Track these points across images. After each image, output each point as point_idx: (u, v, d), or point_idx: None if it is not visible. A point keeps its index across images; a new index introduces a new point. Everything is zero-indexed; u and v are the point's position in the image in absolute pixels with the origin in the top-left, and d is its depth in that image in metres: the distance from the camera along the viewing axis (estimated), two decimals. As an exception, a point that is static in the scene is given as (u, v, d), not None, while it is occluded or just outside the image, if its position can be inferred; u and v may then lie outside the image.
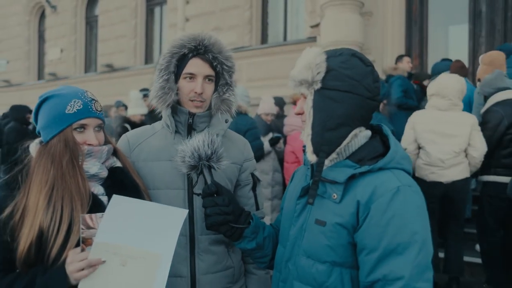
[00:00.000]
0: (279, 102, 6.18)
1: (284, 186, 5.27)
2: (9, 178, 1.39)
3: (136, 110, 5.69)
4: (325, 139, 1.23)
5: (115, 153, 1.56)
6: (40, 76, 15.64)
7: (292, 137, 4.88)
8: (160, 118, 1.77)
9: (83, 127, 1.43)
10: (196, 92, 1.61)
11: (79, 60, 14.04)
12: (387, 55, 7.22)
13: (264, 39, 9.70)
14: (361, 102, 1.23)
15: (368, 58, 1.30)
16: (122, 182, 1.50)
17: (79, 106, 1.41)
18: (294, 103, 5.47)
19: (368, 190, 1.16)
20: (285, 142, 5.21)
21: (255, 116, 5.35)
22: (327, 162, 1.26)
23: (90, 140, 1.43)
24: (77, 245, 1.27)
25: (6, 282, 1.28)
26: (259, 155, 4.58)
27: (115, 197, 1.27)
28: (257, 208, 1.83)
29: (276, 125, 5.51)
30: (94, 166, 1.43)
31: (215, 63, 1.64)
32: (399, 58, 6.35)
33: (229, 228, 1.40)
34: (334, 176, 1.22)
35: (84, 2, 13.94)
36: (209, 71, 1.64)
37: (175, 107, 1.67)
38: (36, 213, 1.30)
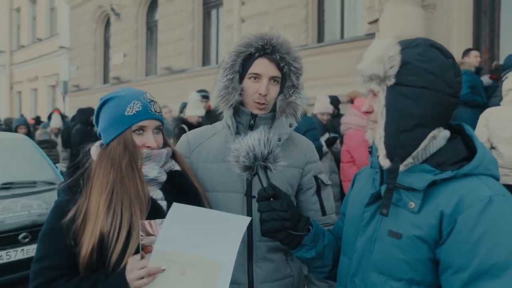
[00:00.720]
0: (335, 101, 6.00)
1: (341, 187, 5.10)
2: (71, 182, 1.39)
3: (194, 111, 5.76)
4: (400, 142, 1.10)
5: (174, 156, 1.52)
6: (105, 80, 16.48)
7: (347, 135, 4.70)
8: (217, 120, 1.73)
9: (142, 129, 1.40)
10: (260, 94, 1.55)
11: (140, 64, 14.61)
12: (452, 49, 6.75)
13: (320, 37, 9.51)
14: (441, 99, 1.09)
15: (447, 49, 1.15)
16: (182, 186, 1.46)
17: (139, 108, 1.39)
18: (351, 101, 5.28)
19: (453, 199, 1.02)
20: (341, 142, 5.03)
21: (311, 115, 5.23)
22: (401, 167, 1.12)
23: (149, 143, 1.40)
24: (137, 251, 1.25)
25: (70, 286, 1.28)
26: (318, 156, 4.46)
27: (175, 205, 1.23)
28: (323, 214, 1.70)
29: (332, 124, 5.35)
30: (153, 170, 1.40)
31: (282, 64, 1.58)
32: (466, 52, 5.92)
33: (287, 235, 1.30)
34: (412, 182, 1.08)
35: (145, 8, 14.49)
36: (275, 72, 1.57)
37: (238, 108, 1.61)
38: (97, 217, 1.29)
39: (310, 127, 4.31)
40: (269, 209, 1.29)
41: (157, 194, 1.42)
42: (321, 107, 5.14)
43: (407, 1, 6.41)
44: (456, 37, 6.89)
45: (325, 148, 4.89)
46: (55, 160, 7.24)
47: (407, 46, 1.12)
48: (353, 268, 1.22)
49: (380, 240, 1.14)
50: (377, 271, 1.13)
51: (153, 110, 1.42)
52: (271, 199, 1.32)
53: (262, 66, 1.56)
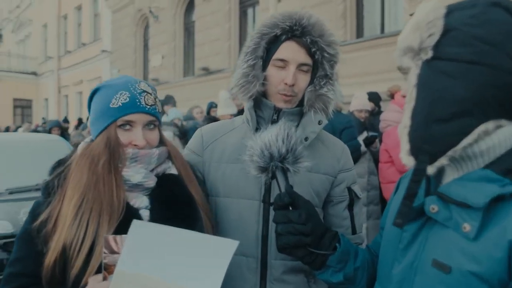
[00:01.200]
0: (375, 98, 5.65)
1: (381, 190, 4.77)
2: (49, 181, 1.23)
3: (225, 110, 5.60)
4: (430, 135, 0.84)
5: (172, 156, 1.32)
6: (145, 82, 16.73)
7: (386, 133, 4.35)
8: None
9: (129, 124, 1.22)
10: (286, 83, 1.33)
11: (178, 65, 14.70)
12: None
13: (359, 33, 9.12)
14: (498, 79, 0.79)
15: None
16: (173, 193, 1.26)
17: (125, 99, 1.20)
18: (392, 96, 4.91)
19: None
20: (381, 141, 4.69)
21: (347, 113, 4.94)
22: (430, 169, 0.85)
23: (136, 140, 1.21)
24: (99, 271, 1.06)
25: None
26: (356, 156, 4.15)
27: (135, 222, 1.00)
28: (354, 232, 1.47)
29: (371, 123, 5.02)
30: (137, 174, 1.21)
31: (313, 49, 1.34)
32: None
33: (307, 253, 1.07)
34: (466, 195, 0.80)
35: (182, 9, 14.57)
36: (305, 58, 1.34)
37: (259, 100, 1.39)
38: (64, 224, 1.12)
39: (347, 125, 4.01)
40: (285, 220, 1.06)
41: (141, 202, 1.22)
42: (359, 104, 4.82)
43: (453, -11, 5.95)
44: None
45: (363, 148, 4.58)
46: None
47: (457, 8, 0.85)
48: None
49: (422, 271, 0.87)
50: None
51: (143, 103, 1.22)
52: (290, 207, 1.08)
53: (290, 51, 1.33)
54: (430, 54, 0.85)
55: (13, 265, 1.19)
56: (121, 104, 1.20)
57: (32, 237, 1.15)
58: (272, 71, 1.36)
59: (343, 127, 3.99)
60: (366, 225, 4.76)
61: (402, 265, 0.92)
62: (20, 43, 29.89)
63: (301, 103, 1.39)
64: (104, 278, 1.03)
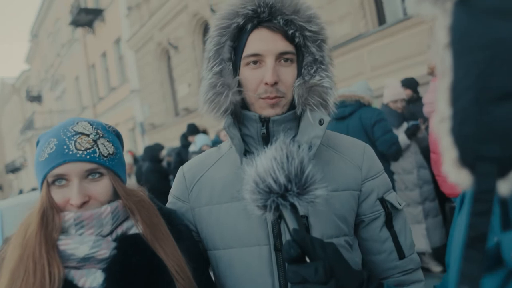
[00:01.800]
0: (411, 84, 5.10)
1: (435, 183, 4.20)
2: None
3: (198, 144, 5.26)
4: (492, 126, 0.45)
5: (134, 212, 1.03)
6: (176, 113, 16.81)
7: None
8: None
9: (62, 178, 0.96)
10: (267, 83, 1.03)
11: (204, 90, 14.67)
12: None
13: (381, 20, 8.60)
14: None
15: None
16: (136, 267, 0.96)
17: (51, 149, 0.96)
18: (432, 72, 4.33)
19: None
20: (428, 127, 4.14)
21: (382, 106, 4.44)
22: (504, 186, 0.46)
23: (72, 199, 0.94)
24: None
25: None
26: (395, 151, 3.65)
27: None
28: (401, 256, 1.12)
29: (410, 111, 4.50)
30: (82, 245, 0.93)
31: (291, 31, 1.06)
32: None
33: None
34: None
35: (200, 35, 14.58)
36: (283, 45, 1.06)
37: (239, 113, 1.08)
38: None
39: (377, 118, 3.55)
40: (299, 280, 0.72)
41: (92, 280, 0.93)
42: (392, 94, 4.32)
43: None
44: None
45: (406, 140, 4.08)
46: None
47: None
48: None
49: None
50: None
51: (73, 148, 0.94)
52: (306, 258, 0.74)
53: (261, 41, 1.04)
54: None
55: None
56: (47, 156, 0.96)
57: None
58: (246, 72, 1.07)
59: (374, 121, 3.55)
60: (425, 226, 4.21)
61: None
62: (58, 99, 31.33)
63: (292, 105, 1.06)
64: None
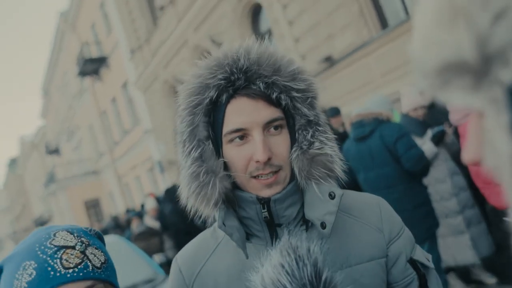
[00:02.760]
0: (427, 87, 4.86)
1: (472, 189, 3.92)
2: None
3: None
4: None
5: None
6: (192, 147, 16.78)
7: (463, 126, 3.53)
8: None
9: None
10: (258, 161, 0.88)
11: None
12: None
13: (383, 24, 8.43)
14: None
15: None
16: None
17: (30, 276, 0.79)
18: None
19: None
20: (456, 132, 3.87)
21: (401, 116, 4.21)
22: None
23: None
24: None
25: None
26: (423, 166, 3.38)
27: None
28: None
29: (433, 117, 4.24)
30: None
31: (275, 94, 0.91)
32: None
33: None
34: None
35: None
36: (268, 112, 0.91)
37: (232, 197, 0.93)
38: None
39: (399, 134, 3.30)
40: None
41: None
42: (411, 102, 4.09)
43: None
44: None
45: (433, 149, 3.82)
46: (157, 249, 7.02)
47: None
48: None
49: None
50: None
51: (62, 268, 0.80)
52: None
53: (242, 113, 0.90)
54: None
55: None
56: (26, 285, 0.79)
57: None
58: (230, 152, 0.92)
59: (395, 138, 3.31)
60: (469, 236, 3.92)
61: None
62: (75, 150, 31.83)
63: (292, 176, 0.94)
64: None
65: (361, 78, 8.29)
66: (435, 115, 4.28)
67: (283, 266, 0.72)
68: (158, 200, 9.87)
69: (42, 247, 0.83)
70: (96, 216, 27.32)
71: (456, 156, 3.92)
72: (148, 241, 7.04)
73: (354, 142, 3.53)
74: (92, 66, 21.99)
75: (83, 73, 22.55)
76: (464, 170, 3.92)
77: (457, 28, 0.36)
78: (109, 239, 6.02)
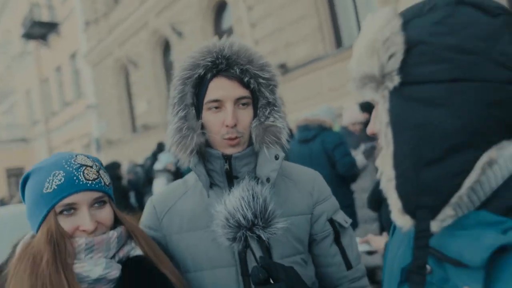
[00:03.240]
0: (369, 108, 5.40)
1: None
2: None
3: (162, 162, 5.35)
4: (425, 183, 0.64)
5: (132, 235, 1.14)
6: (134, 129, 16.60)
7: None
8: None
9: (71, 207, 1.03)
10: (227, 126, 1.16)
11: (163, 107, 14.56)
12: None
13: (338, 43, 9.02)
14: (492, 94, 0.62)
15: (496, 1, 0.67)
16: (144, 279, 1.07)
17: (60, 180, 1.02)
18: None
19: None
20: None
21: (341, 128, 4.68)
22: (435, 225, 0.65)
23: (84, 225, 1.02)
24: None
25: None
26: (354, 173, 3.89)
27: None
28: (349, 267, 1.30)
29: (367, 133, 4.77)
30: (96, 267, 1.02)
31: (246, 79, 1.20)
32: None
33: None
34: (461, 250, 0.60)
35: (160, 52, 14.60)
36: (240, 91, 1.19)
37: (204, 152, 1.20)
38: None
39: (337, 142, 3.77)
40: None
41: None
42: (351, 117, 4.57)
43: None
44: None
45: (363, 161, 4.31)
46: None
47: (414, 15, 0.68)
48: None
49: None
50: None
51: (83, 179, 1.03)
52: (270, 279, 0.91)
53: (221, 89, 1.17)
54: (397, 80, 0.66)
55: None
56: (56, 187, 1.02)
57: None
58: (208, 116, 1.20)
59: (334, 145, 3.77)
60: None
61: None
62: (5, 113, 29.99)
63: (250, 142, 1.23)
64: None
65: (312, 89, 8.79)
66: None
67: (242, 198, 0.99)
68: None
69: (68, 162, 1.05)
70: (17, 185, 25.90)
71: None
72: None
73: (297, 143, 3.91)
74: (41, 30, 20.93)
75: (28, 36, 21.37)
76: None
77: (373, 58, 0.67)
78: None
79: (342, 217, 1.32)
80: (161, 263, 1.13)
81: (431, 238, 0.66)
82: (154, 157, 7.57)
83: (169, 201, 1.31)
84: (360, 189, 4.41)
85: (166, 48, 14.41)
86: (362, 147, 4.41)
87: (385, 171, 0.69)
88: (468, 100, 0.62)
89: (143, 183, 7.34)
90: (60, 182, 1.02)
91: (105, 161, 15.57)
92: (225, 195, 1.05)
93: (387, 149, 0.68)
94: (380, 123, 0.67)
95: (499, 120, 0.62)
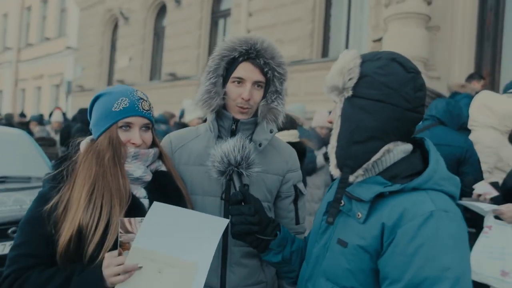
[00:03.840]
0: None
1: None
2: (56, 172, 1.41)
3: (192, 115, 5.75)
4: (351, 153, 1.12)
5: (161, 156, 1.54)
6: (109, 82, 16.54)
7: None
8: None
9: (128, 125, 1.42)
10: (243, 98, 1.54)
11: (145, 68, 14.69)
12: (454, 71, 6.82)
13: (324, 52, 9.57)
14: (398, 114, 1.09)
15: (413, 64, 1.16)
16: (166, 187, 1.48)
17: (125, 104, 1.41)
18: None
19: (396, 212, 1.03)
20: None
21: (310, 129, 5.24)
22: (351, 178, 1.13)
23: (134, 139, 1.41)
24: (115, 248, 1.25)
25: (45, 276, 1.28)
26: (311, 168, 4.45)
27: (155, 204, 1.24)
28: (297, 222, 1.73)
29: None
30: (138, 170, 1.42)
31: (266, 69, 1.57)
32: (471, 78, 5.94)
33: (255, 238, 1.33)
34: (360, 193, 1.10)
35: (154, 14, 14.62)
36: (259, 76, 1.56)
37: (220, 112, 1.61)
38: (78, 207, 1.31)
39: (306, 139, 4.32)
40: (238, 213, 1.32)
41: (140, 192, 1.44)
42: (320, 121, 5.15)
43: (412, 21, 6.46)
44: (458, 59, 6.92)
45: (322, 162, 4.89)
46: (52, 158, 7.23)
47: (369, 59, 1.15)
48: (308, 274, 1.26)
49: (331, 248, 1.16)
50: (325, 277, 1.16)
51: (141, 108, 1.44)
52: (243, 203, 1.35)
53: (246, 71, 1.55)
54: (350, 93, 1.13)
55: (17, 248, 1.33)
56: (122, 108, 1.40)
57: (40, 221, 1.31)
58: (231, 87, 1.57)
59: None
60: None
61: (319, 245, 1.22)
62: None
63: (255, 114, 1.61)
64: (119, 254, 1.23)
65: (290, 89, 9.24)
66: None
67: (235, 145, 1.44)
68: (64, 115, 9.88)
69: (132, 94, 1.42)
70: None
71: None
72: (46, 149, 7.20)
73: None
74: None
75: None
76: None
77: (340, 77, 1.13)
78: (16, 131, 6.16)
79: (302, 187, 1.79)
80: (177, 180, 1.52)
81: (348, 187, 1.13)
82: None
83: (183, 139, 1.70)
84: (312, 185, 5.00)
85: (161, 12, 14.47)
86: (324, 149, 4.99)
87: (331, 142, 1.18)
88: (383, 113, 1.08)
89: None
90: (125, 106, 1.39)
91: (73, 106, 15.40)
92: (222, 142, 1.48)
93: (335, 130, 1.17)
94: (335, 115, 1.18)
95: (398, 128, 1.10)
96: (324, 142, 5.14)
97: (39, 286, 1.26)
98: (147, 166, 1.46)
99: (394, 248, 1.00)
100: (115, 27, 16.40)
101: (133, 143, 1.42)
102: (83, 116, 7.75)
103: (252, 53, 1.56)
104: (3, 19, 25.16)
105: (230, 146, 1.41)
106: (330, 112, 4.24)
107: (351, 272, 1.08)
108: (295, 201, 1.73)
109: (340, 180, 1.13)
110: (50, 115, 9.97)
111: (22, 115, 13.08)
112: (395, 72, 1.10)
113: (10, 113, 12.92)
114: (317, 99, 8.37)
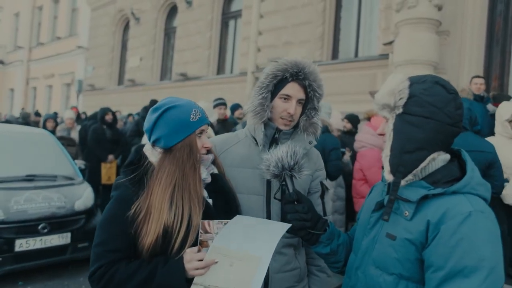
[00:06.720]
0: (354, 120, 6.19)
1: (347, 201, 5.28)
2: (134, 178, 1.54)
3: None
4: (402, 161, 1.30)
5: (213, 160, 1.71)
6: (120, 81, 16.78)
7: (360, 154, 4.85)
8: (230, 129, 1.90)
9: (201, 132, 1.59)
10: (289, 113, 1.75)
11: (156, 68, 14.91)
12: (463, 76, 6.96)
13: (334, 55, 9.71)
14: (441, 128, 1.28)
15: (453, 86, 1.34)
16: (222, 188, 1.67)
17: (200, 115, 1.58)
18: (368, 119, 5.46)
19: (440, 212, 1.21)
20: (355, 158, 5.20)
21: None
22: (402, 182, 1.31)
23: (207, 143, 1.59)
24: (194, 245, 1.44)
25: (132, 268, 1.43)
26: (336, 176, 4.66)
27: (238, 217, 1.52)
28: (324, 215, 1.91)
29: (343, 141, 5.53)
30: (203, 173, 1.60)
31: (309, 90, 1.77)
32: (472, 80, 6.13)
33: (307, 233, 1.51)
34: (408, 195, 1.28)
35: (164, 14, 14.83)
36: (302, 95, 1.77)
37: (266, 123, 1.81)
38: (161, 210, 1.45)
39: (336, 146, 4.51)
40: (293, 211, 1.50)
41: (203, 192, 1.60)
42: (334, 122, 5.30)
43: (423, 26, 6.61)
44: (467, 64, 7.06)
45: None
46: (73, 157, 7.45)
47: (415, 81, 1.33)
48: (358, 263, 1.43)
49: (380, 241, 1.35)
50: (375, 266, 1.34)
51: (206, 116, 1.63)
52: (295, 202, 1.51)
53: (294, 90, 1.75)
54: (401, 110, 1.32)
55: (102, 245, 1.47)
56: (198, 118, 1.57)
57: (123, 221, 1.45)
58: (278, 102, 1.78)
59: (332, 147, 4.49)
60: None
61: (368, 238, 1.40)
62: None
63: (293, 127, 1.84)
64: (199, 250, 1.43)
65: (300, 90, 9.41)
66: (344, 140, 5.59)
67: (287, 152, 1.61)
68: (78, 115, 10.10)
69: (197, 106, 1.59)
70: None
71: (346, 174, 5.23)
72: (66, 148, 7.40)
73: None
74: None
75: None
76: (347, 185, 5.26)
77: (391, 97, 1.35)
78: (41, 131, 6.38)
79: (327, 184, 2.00)
80: (228, 181, 1.71)
81: (399, 189, 1.30)
82: (145, 111, 8.06)
83: (226, 144, 1.90)
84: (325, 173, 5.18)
85: (171, 12, 14.68)
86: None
87: (385, 152, 1.34)
88: (429, 128, 1.26)
89: (130, 133, 7.85)
90: (200, 116, 1.56)
91: (84, 105, 15.58)
92: (272, 149, 1.66)
93: (389, 142, 1.33)
94: (388, 129, 1.37)
95: (441, 140, 1.28)
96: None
97: (128, 277, 1.42)
98: (206, 169, 1.63)
99: (438, 241, 1.18)
100: (126, 27, 16.63)
101: (206, 147, 1.60)
102: (99, 116, 7.98)
103: (300, 75, 1.76)
104: (14, 18, 25.49)
105: (283, 152, 1.58)
106: (347, 117, 4.47)
107: (398, 261, 1.27)
108: (322, 196, 1.92)
109: (393, 183, 1.31)
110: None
111: (37, 114, 13.35)
112: (439, 93, 1.29)
113: (27, 112, 13.14)
114: (328, 100, 8.51)
